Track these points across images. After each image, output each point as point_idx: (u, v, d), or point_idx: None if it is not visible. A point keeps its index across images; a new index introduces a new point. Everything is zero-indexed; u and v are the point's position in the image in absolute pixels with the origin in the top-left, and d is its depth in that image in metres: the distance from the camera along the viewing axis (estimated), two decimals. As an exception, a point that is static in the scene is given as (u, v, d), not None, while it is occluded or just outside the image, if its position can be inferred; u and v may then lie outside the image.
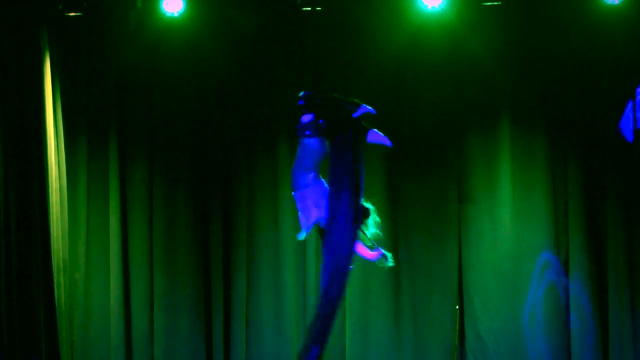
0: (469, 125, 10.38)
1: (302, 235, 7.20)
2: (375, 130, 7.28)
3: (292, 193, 7.16)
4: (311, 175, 7.11)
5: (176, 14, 10.20)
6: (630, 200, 10.07)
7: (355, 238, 7.05)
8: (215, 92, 10.60)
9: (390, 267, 7.47)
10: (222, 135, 10.61)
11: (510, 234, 10.26)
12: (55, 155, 10.07)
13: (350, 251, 7.04)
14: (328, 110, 7.18)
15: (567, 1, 10.03)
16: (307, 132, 7.10)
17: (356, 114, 7.17)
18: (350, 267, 7.05)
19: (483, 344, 10.25)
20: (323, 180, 7.20)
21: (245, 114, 10.57)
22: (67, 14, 10.32)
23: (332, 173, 7.09)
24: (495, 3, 10.14)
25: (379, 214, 10.22)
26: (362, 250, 7.22)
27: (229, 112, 10.60)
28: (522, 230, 10.25)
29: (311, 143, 7.14)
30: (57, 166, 10.11)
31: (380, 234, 7.32)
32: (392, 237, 10.32)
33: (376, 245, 7.27)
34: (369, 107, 7.19)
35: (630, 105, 9.93)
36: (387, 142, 7.28)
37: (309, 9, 10.23)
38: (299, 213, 7.16)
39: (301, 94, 7.21)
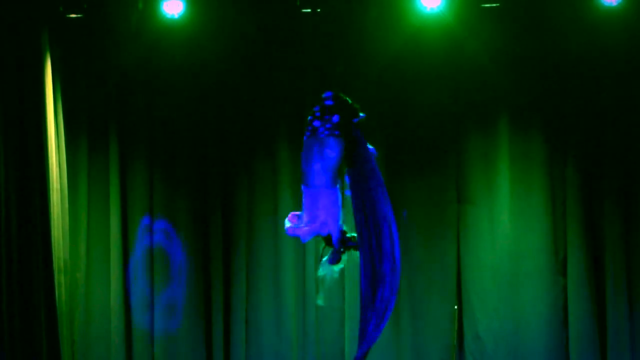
0: (467, 126, 10.41)
1: (305, 241, 7.12)
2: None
3: (303, 187, 7.01)
4: (330, 178, 6.96)
5: (176, 16, 10.24)
6: (628, 200, 10.10)
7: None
8: (215, 93, 10.63)
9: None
10: (222, 135, 10.64)
11: (508, 234, 10.29)
12: (55, 155, 10.10)
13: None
14: (348, 112, 7.10)
15: (565, 3, 10.06)
16: (336, 132, 6.98)
17: (355, 120, 7.11)
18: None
19: (482, 344, 10.27)
20: (338, 187, 7.08)
21: (245, 114, 10.60)
22: (67, 15, 10.35)
23: (359, 182, 7.00)
24: (494, 5, 10.17)
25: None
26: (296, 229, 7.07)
27: (229, 113, 10.62)
28: (520, 230, 10.28)
29: (337, 144, 6.98)
30: (57, 166, 10.14)
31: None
32: (391, 238, 10.37)
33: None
34: (364, 114, 7.15)
35: None
36: (373, 151, 7.21)
37: (309, 10, 10.26)
38: (306, 211, 7.01)
39: (328, 94, 7.10)
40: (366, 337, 6.78)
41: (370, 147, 7.14)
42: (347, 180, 7.01)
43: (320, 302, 7.55)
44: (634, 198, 10.09)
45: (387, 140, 10.46)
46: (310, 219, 6.97)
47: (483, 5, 10.17)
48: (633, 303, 10.04)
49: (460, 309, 10.30)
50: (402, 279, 10.27)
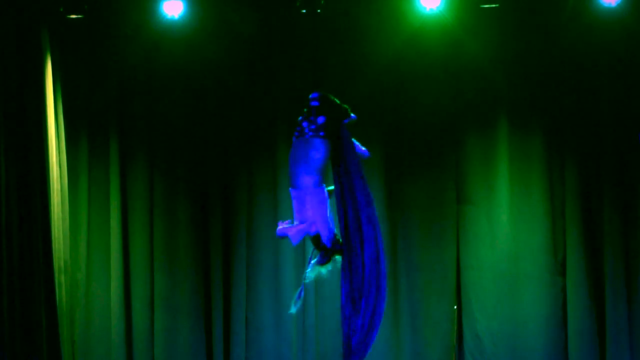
0: (467, 127, 10.43)
1: (295, 243, 7.09)
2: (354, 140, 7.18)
3: (290, 190, 7.00)
4: (316, 178, 6.94)
5: (176, 17, 10.25)
6: (627, 200, 10.12)
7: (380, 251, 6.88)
8: (215, 93, 10.65)
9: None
10: (222, 135, 10.66)
11: (507, 234, 10.30)
12: (56, 156, 10.12)
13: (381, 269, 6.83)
14: (336, 113, 7.07)
15: (564, 3, 10.08)
16: (321, 133, 6.94)
17: (346, 121, 7.10)
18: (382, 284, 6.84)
19: (481, 344, 10.29)
20: (324, 186, 7.04)
21: (245, 114, 10.61)
22: (68, 17, 10.37)
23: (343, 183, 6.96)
24: (493, 5, 10.18)
25: (378, 215, 10.39)
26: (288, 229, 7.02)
27: (229, 113, 10.64)
28: (519, 230, 10.30)
29: (323, 145, 6.94)
30: (58, 167, 10.15)
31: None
32: (391, 238, 10.39)
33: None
34: (354, 115, 7.14)
35: None
36: (365, 153, 7.18)
37: (309, 11, 10.27)
38: (295, 214, 7.01)
39: (314, 95, 7.06)
40: (353, 351, 6.74)
41: (362, 148, 7.13)
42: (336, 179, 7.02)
43: (293, 310, 7.46)
44: (632, 198, 10.11)
45: (387, 140, 10.48)
46: (299, 220, 6.98)
47: (482, 5, 10.18)
48: (632, 303, 10.06)
49: (459, 309, 10.33)
50: (401, 279, 10.45)
